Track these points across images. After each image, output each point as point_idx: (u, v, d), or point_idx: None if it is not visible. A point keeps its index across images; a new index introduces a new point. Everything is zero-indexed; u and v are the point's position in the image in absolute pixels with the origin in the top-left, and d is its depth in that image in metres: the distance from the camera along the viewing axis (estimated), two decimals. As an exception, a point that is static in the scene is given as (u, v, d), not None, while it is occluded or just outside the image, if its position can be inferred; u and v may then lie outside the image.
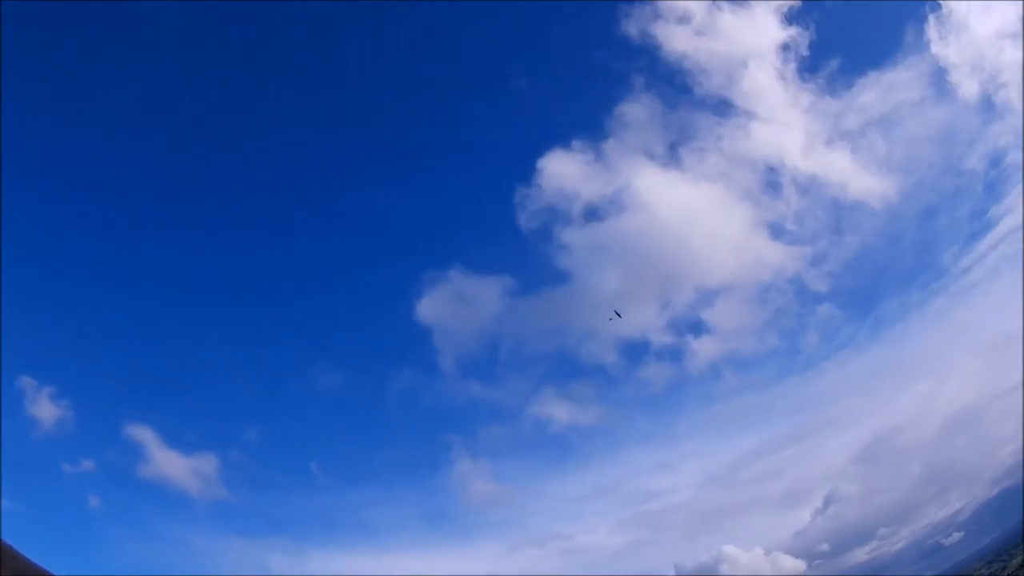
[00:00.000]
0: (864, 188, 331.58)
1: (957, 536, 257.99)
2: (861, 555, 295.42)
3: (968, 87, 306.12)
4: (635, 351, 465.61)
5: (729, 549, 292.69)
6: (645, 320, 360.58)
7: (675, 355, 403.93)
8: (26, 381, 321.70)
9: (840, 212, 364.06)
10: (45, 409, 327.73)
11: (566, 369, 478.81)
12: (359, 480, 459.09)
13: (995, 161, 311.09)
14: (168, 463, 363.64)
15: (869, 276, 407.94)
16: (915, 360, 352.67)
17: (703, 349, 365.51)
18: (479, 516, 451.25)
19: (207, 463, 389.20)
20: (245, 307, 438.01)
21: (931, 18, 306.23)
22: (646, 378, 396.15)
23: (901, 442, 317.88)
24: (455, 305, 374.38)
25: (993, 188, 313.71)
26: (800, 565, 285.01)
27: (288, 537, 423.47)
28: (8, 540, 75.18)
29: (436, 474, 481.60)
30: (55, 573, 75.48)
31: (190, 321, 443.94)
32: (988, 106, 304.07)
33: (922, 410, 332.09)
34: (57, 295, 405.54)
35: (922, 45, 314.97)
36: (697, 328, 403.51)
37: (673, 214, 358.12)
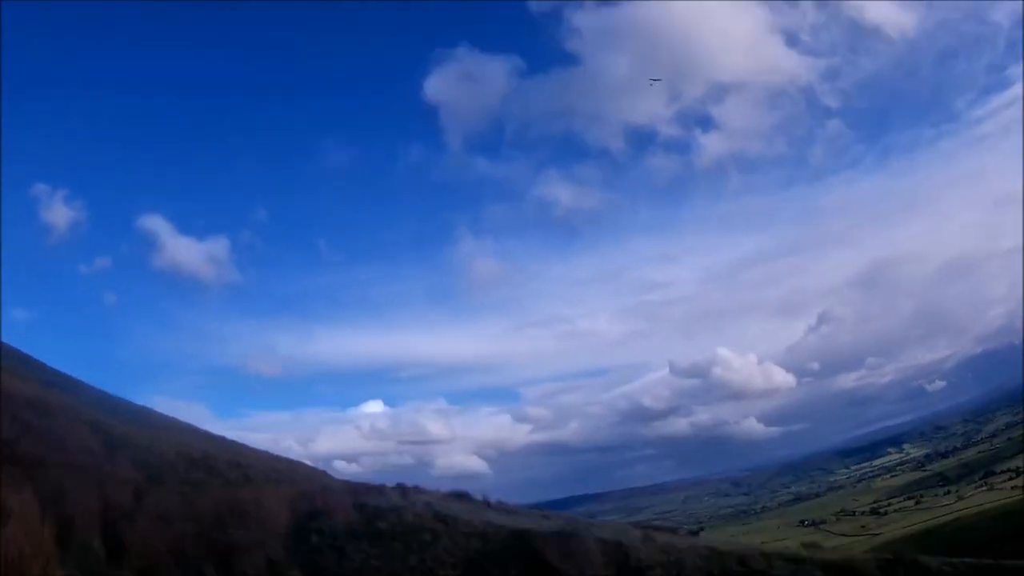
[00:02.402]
0: (883, 14, 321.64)
1: (940, 384, 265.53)
2: (848, 381, 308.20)
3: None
4: (642, 139, 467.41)
5: (723, 351, 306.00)
6: (653, 109, 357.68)
7: (682, 147, 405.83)
8: (39, 188, 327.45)
9: (857, 32, 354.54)
10: (59, 213, 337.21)
11: (572, 151, 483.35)
12: (366, 257, 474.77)
13: (1020, 21, 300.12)
14: (181, 250, 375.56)
15: (881, 102, 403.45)
16: (918, 196, 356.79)
17: (711, 145, 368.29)
18: (483, 295, 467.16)
19: (219, 246, 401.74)
20: (252, 87, 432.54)
21: None
22: (652, 167, 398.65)
23: (897, 275, 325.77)
24: (463, 83, 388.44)
25: (1014, 47, 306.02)
26: (790, 380, 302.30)
27: (296, 316, 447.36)
28: (29, 349, 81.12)
29: (441, 252, 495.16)
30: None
31: (196, 104, 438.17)
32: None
33: (920, 248, 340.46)
34: (62, 95, 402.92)
35: None
36: (706, 123, 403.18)
37: (687, 5, 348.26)
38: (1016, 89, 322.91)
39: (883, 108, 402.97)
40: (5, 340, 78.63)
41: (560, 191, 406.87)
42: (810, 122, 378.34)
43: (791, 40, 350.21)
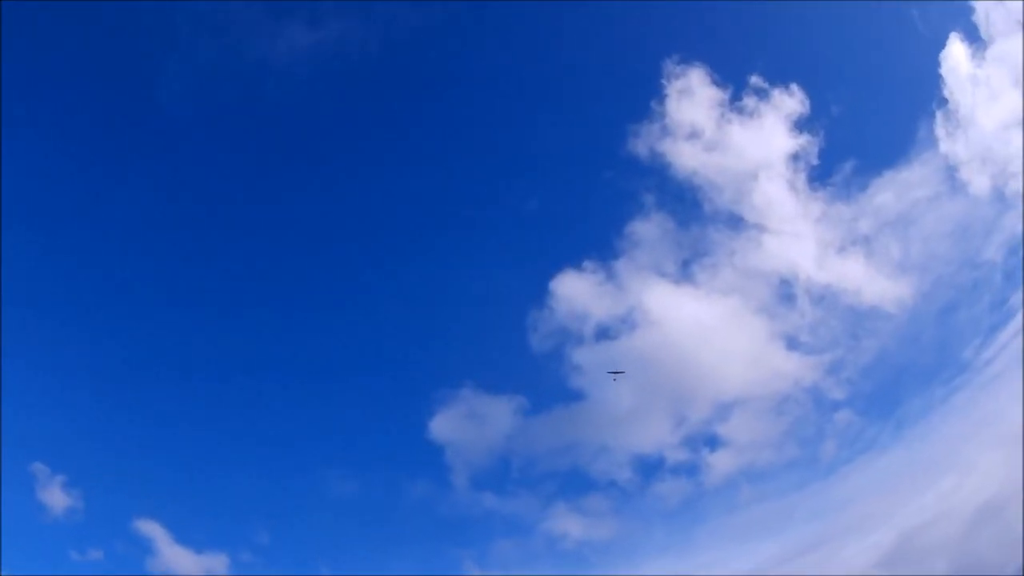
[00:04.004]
0: (879, 292, 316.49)
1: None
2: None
3: (979, 181, 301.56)
4: (650, 467, 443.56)
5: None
6: (659, 437, 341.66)
7: (691, 470, 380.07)
8: (38, 467, 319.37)
9: (856, 319, 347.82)
10: (56, 496, 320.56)
11: (579, 485, 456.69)
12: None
13: (1013, 250, 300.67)
14: (177, 559, 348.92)
15: (888, 379, 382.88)
16: (939, 456, 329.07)
17: (720, 463, 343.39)
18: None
19: (217, 562, 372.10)
20: (262, 412, 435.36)
21: (939, 115, 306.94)
22: (661, 493, 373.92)
23: (926, 541, 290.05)
24: (468, 423, 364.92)
25: (1011, 277, 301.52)
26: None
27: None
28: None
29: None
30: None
31: (206, 421, 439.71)
32: (1000, 197, 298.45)
33: (947, 507, 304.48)
34: (76, 385, 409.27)
35: (932, 142, 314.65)
36: (713, 442, 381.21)
37: (686, 330, 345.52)
38: (1019, 318, 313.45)
39: (891, 383, 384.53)
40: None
41: (568, 524, 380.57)
42: (819, 419, 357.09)
43: (791, 344, 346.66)
